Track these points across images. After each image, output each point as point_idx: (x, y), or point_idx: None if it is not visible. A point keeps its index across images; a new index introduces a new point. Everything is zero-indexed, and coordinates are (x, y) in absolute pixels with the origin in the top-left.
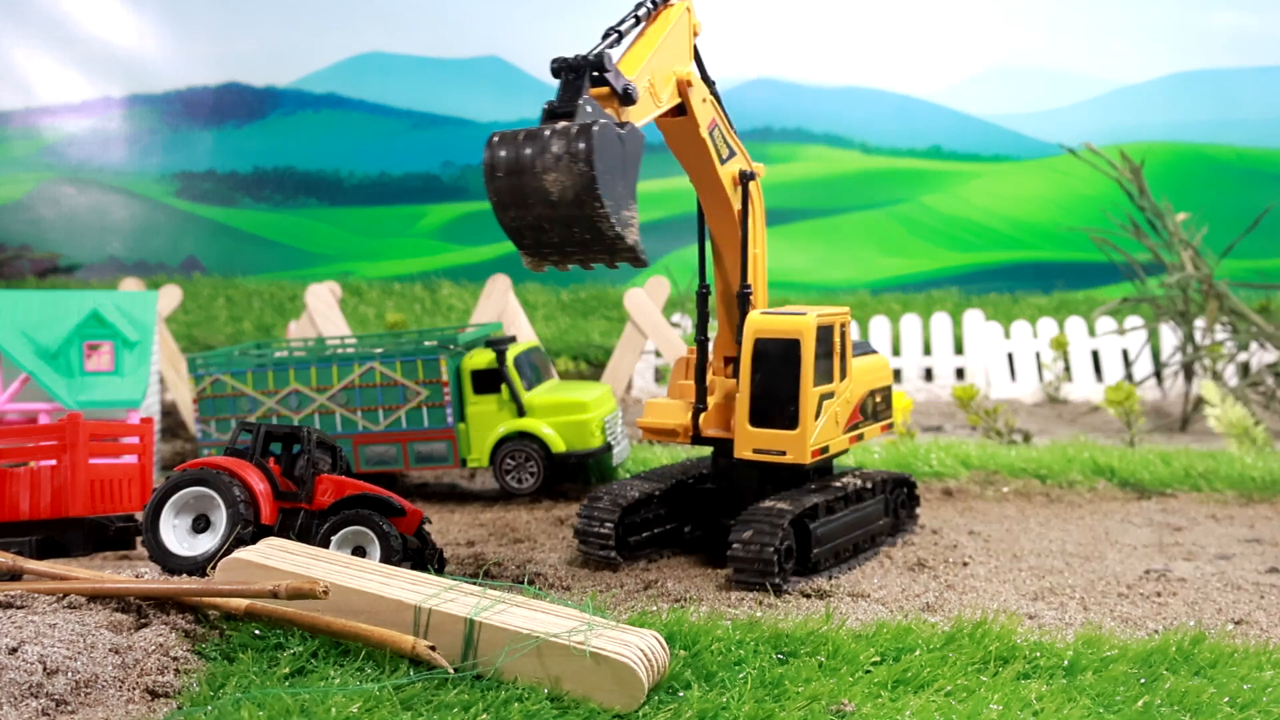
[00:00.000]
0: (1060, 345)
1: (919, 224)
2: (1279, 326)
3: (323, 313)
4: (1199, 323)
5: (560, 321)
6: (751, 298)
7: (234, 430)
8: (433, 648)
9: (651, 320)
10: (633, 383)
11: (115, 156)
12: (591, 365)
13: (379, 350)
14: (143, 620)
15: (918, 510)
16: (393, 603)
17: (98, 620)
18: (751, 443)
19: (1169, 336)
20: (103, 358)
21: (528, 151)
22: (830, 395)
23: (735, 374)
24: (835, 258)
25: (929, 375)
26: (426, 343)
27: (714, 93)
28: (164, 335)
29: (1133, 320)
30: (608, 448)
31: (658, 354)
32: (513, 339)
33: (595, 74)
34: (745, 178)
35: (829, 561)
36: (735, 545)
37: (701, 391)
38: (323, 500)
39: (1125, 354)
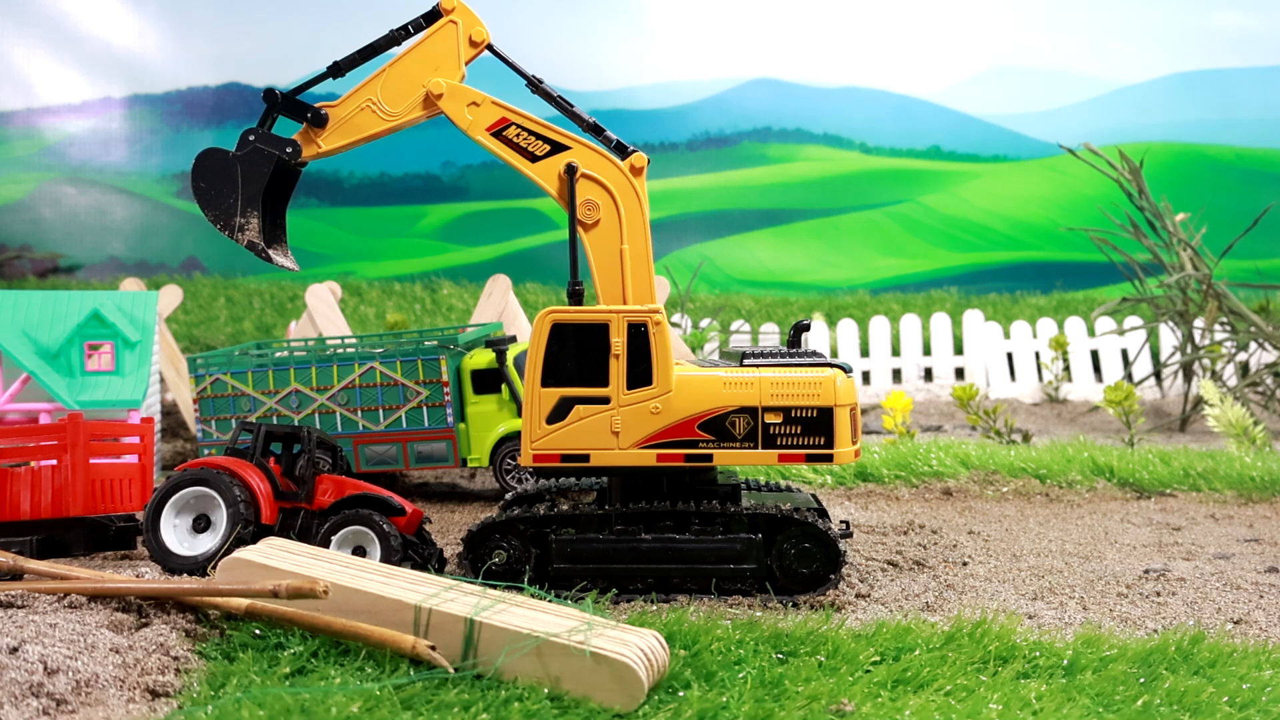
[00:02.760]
0: (1060, 345)
1: (919, 224)
2: (1278, 326)
3: (323, 313)
4: (1198, 323)
5: None
6: (597, 293)
7: (234, 430)
8: (433, 647)
9: None
10: None
11: (116, 157)
12: None
13: (379, 350)
14: (143, 620)
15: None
16: (393, 602)
17: (98, 620)
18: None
19: (1168, 336)
20: (103, 358)
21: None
22: (598, 400)
23: None
24: (835, 258)
25: (929, 375)
26: (427, 343)
27: (542, 91)
28: (164, 335)
29: (1132, 320)
30: None
31: None
32: (513, 339)
33: (275, 106)
34: (569, 171)
35: (584, 582)
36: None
37: None
38: (323, 500)
39: (1125, 354)
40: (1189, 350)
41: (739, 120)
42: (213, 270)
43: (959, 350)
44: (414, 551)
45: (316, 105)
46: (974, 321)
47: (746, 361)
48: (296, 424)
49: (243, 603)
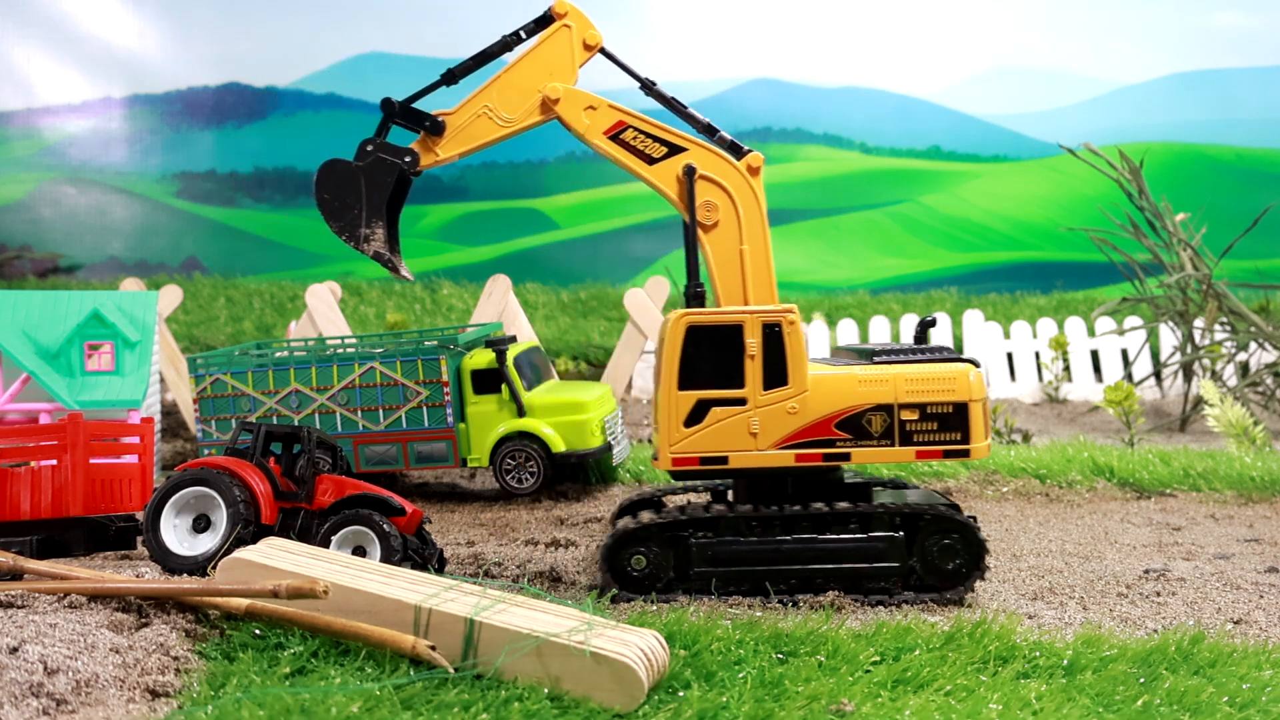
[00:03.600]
0: (1060, 345)
1: (919, 224)
2: (1278, 326)
3: (323, 313)
4: (1198, 323)
5: (560, 321)
6: (716, 296)
7: (234, 430)
8: (433, 647)
9: (651, 320)
10: (633, 383)
11: (116, 157)
12: (591, 365)
13: (379, 350)
14: (143, 620)
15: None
16: (393, 602)
17: (98, 620)
18: (656, 446)
19: (1168, 336)
20: (103, 358)
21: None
22: (734, 401)
23: None
24: (835, 258)
25: None
26: (427, 343)
27: (656, 93)
28: (164, 335)
29: (1132, 320)
30: (608, 448)
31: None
32: (513, 339)
33: (392, 116)
34: (688, 173)
35: (729, 585)
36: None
37: None
38: (323, 500)
39: (1125, 354)
40: (1189, 350)
41: (739, 120)
42: (213, 270)
43: (959, 350)
44: (414, 551)
45: (433, 113)
46: (974, 321)
47: (877, 359)
48: (296, 424)
49: (243, 603)
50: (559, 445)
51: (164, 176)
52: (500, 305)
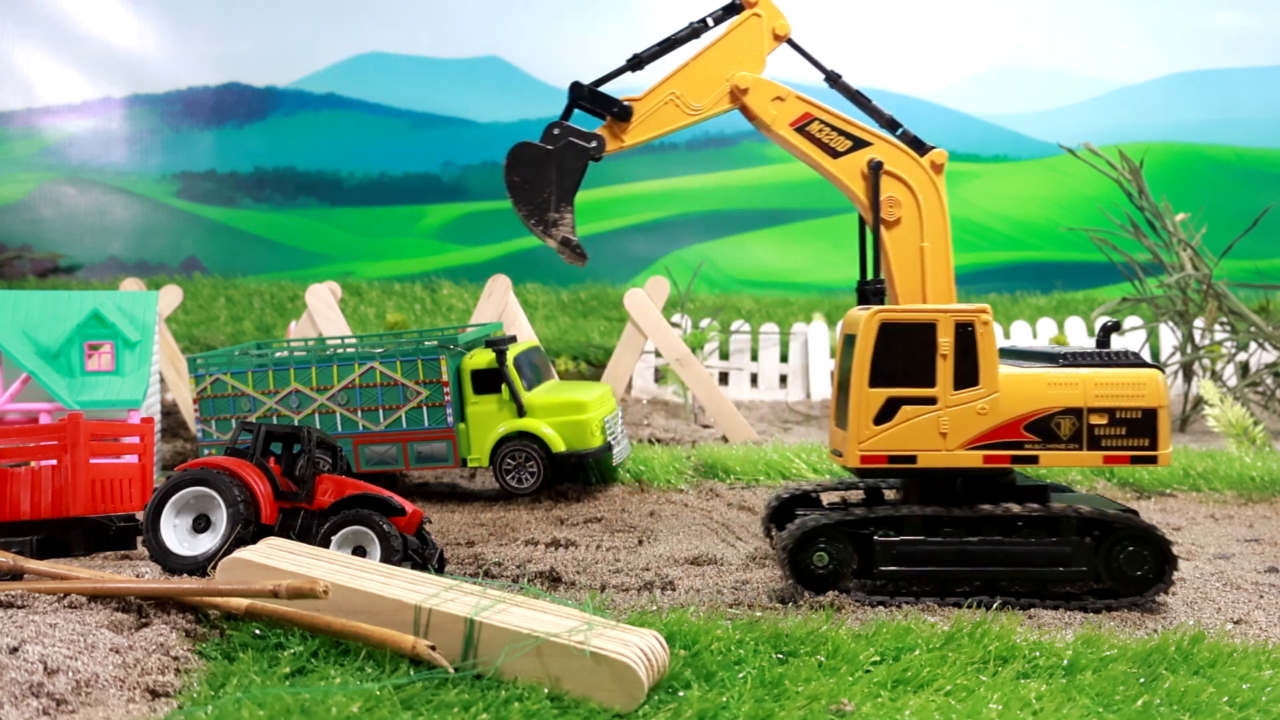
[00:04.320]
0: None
1: None
2: (1278, 326)
3: (323, 313)
4: (1198, 323)
5: (560, 321)
6: (892, 292)
7: (234, 430)
8: (433, 647)
9: (651, 320)
10: (633, 383)
11: (116, 157)
12: (591, 365)
13: (379, 350)
14: (143, 620)
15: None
16: (393, 602)
17: (98, 620)
18: (832, 442)
19: (1168, 336)
20: (103, 358)
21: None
22: (924, 400)
23: None
24: (835, 258)
25: None
26: (427, 343)
27: (841, 85)
28: (164, 335)
29: (1132, 320)
30: (608, 448)
31: (657, 354)
32: (513, 339)
33: (579, 99)
34: (874, 168)
35: (912, 585)
36: (779, 536)
37: None
38: (323, 500)
39: None
40: (1189, 350)
41: (739, 120)
42: (213, 270)
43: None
44: (414, 551)
45: (622, 100)
46: None
47: (1064, 361)
48: (296, 424)
49: (243, 603)
50: (559, 445)
51: (164, 176)
52: (500, 305)
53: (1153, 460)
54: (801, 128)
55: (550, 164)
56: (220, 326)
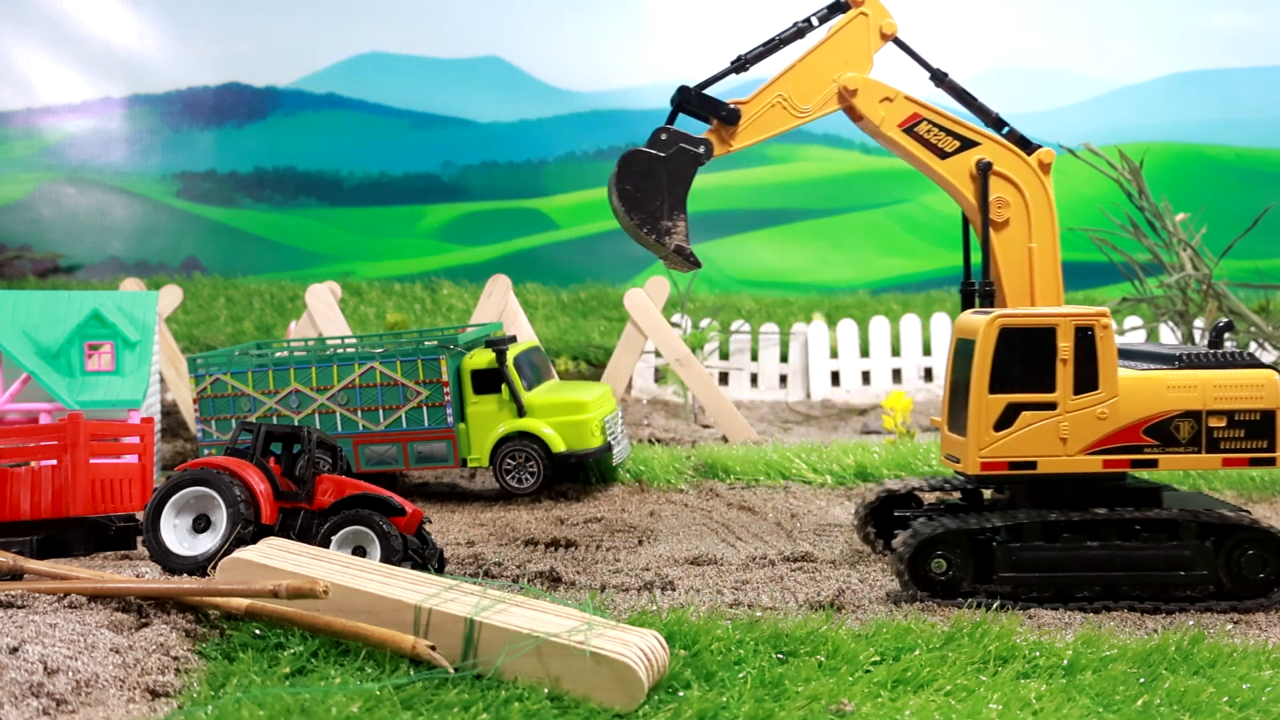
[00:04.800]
0: None
1: (919, 224)
2: (1278, 326)
3: (323, 313)
4: (1198, 323)
5: (560, 321)
6: (1000, 294)
7: (234, 430)
8: (433, 647)
9: (651, 320)
10: (633, 383)
11: (116, 157)
12: (591, 365)
13: (379, 350)
14: (143, 620)
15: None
16: (393, 602)
17: (98, 620)
18: (946, 447)
19: (1168, 336)
20: (103, 358)
21: (612, 172)
22: (1045, 406)
23: None
24: (835, 258)
25: (929, 375)
26: (427, 343)
27: (948, 84)
28: (164, 335)
29: (1132, 320)
30: (608, 448)
31: (657, 354)
32: (513, 339)
33: (684, 103)
34: (982, 168)
35: (1031, 591)
36: (894, 543)
37: None
38: (323, 500)
39: None
40: None
41: None
42: (213, 270)
43: None
44: (414, 551)
45: (728, 103)
46: None
47: (1179, 363)
48: (296, 424)
49: (243, 603)
50: (559, 445)
51: (164, 176)
52: (500, 305)
53: (1270, 462)
54: (910, 129)
55: (661, 171)
56: (220, 326)
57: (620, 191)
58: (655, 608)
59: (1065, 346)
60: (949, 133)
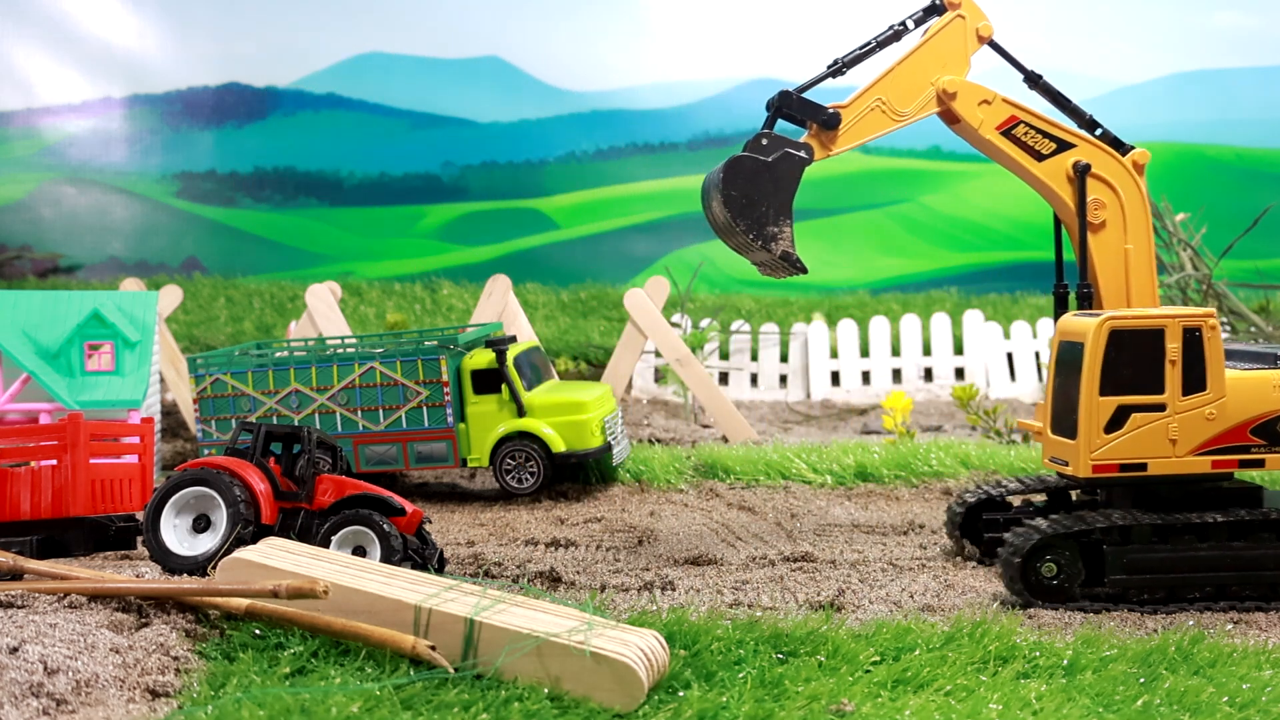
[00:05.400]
0: None
1: (919, 224)
2: (1278, 326)
3: (323, 313)
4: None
5: (560, 321)
6: (1096, 296)
7: (234, 430)
8: (433, 647)
9: (651, 320)
10: (633, 383)
11: (116, 157)
12: (591, 365)
13: (379, 350)
14: (143, 620)
15: None
16: (393, 602)
17: (98, 620)
18: (1050, 450)
19: None
20: (103, 358)
21: (710, 176)
22: (1154, 407)
23: None
24: (835, 258)
25: (929, 375)
26: (427, 343)
27: (1042, 86)
28: (164, 335)
29: None
30: (608, 448)
31: (657, 354)
32: (513, 339)
33: (783, 108)
34: (1079, 170)
35: (1143, 594)
36: (999, 551)
37: None
38: (323, 500)
39: None
40: None
41: (739, 120)
42: (213, 270)
43: (959, 350)
44: (414, 551)
45: (827, 107)
46: (974, 321)
47: None
48: (296, 424)
49: (243, 603)
50: (559, 445)
51: (164, 176)
52: (500, 305)
53: None
54: (1007, 131)
55: (767, 176)
56: (220, 326)
57: (726, 198)
58: (655, 608)
59: (1174, 347)
60: (1046, 135)
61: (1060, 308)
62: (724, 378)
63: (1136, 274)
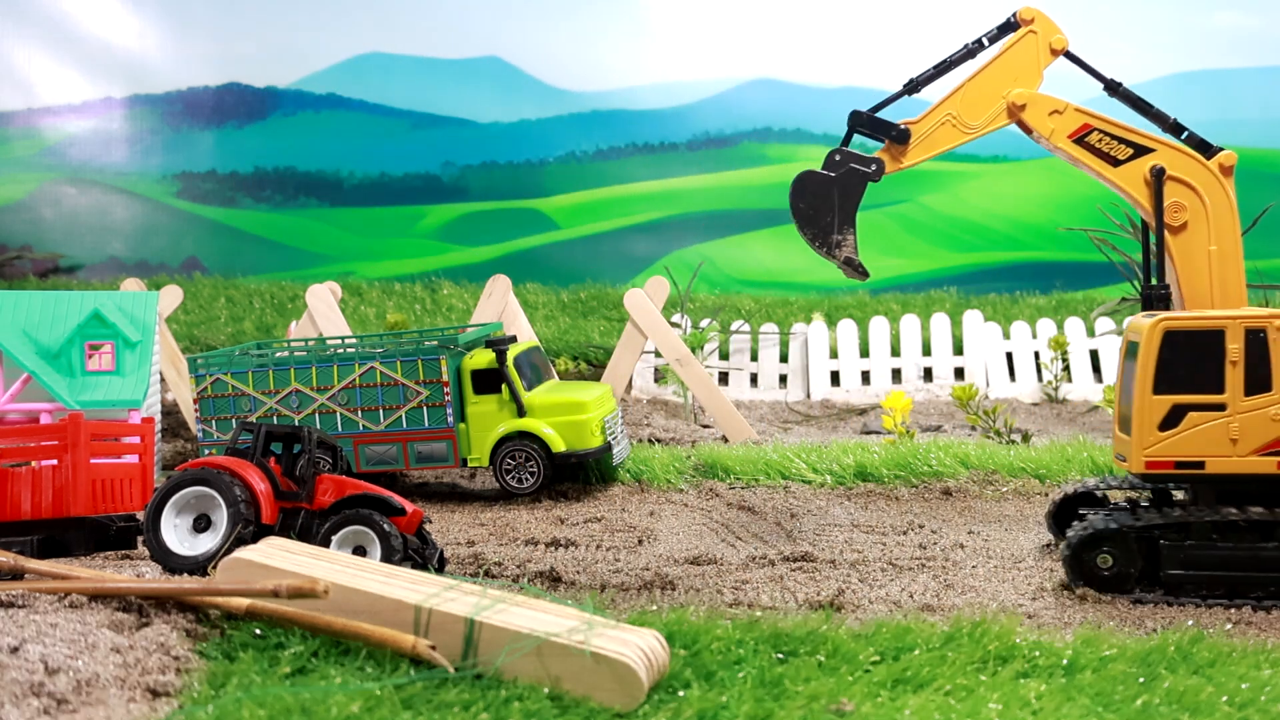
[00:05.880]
0: (1059, 345)
1: (919, 224)
2: None
3: (323, 313)
4: None
5: (560, 321)
6: (1180, 297)
7: (235, 430)
8: (433, 647)
9: (651, 320)
10: (633, 383)
11: (116, 157)
12: (591, 365)
13: (379, 350)
14: (144, 620)
15: None
16: (393, 602)
17: (99, 619)
18: (1116, 447)
19: None
20: (104, 358)
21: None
22: (1213, 407)
23: None
24: None
25: (928, 375)
26: (427, 343)
27: (1123, 93)
28: (165, 335)
29: None
30: (608, 448)
31: (657, 354)
32: (513, 339)
33: (859, 125)
34: (1156, 174)
35: (1199, 590)
36: (1061, 547)
37: None
38: (323, 500)
39: None
40: None
41: (739, 120)
42: (213, 270)
43: (959, 350)
44: (414, 551)
45: (899, 124)
46: (974, 322)
47: None
48: (296, 424)
49: (243, 602)
50: (559, 445)
51: (164, 176)
52: (500, 305)
53: None
54: (1080, 139)
55: (832, 189)
56: (220, 326)
57: (794, 209)
58: (655, 608)
59: (1235, 348)
60: (1121, 140)
61: (1148, 308)
62: (724, 378)
63: (1222, 275)
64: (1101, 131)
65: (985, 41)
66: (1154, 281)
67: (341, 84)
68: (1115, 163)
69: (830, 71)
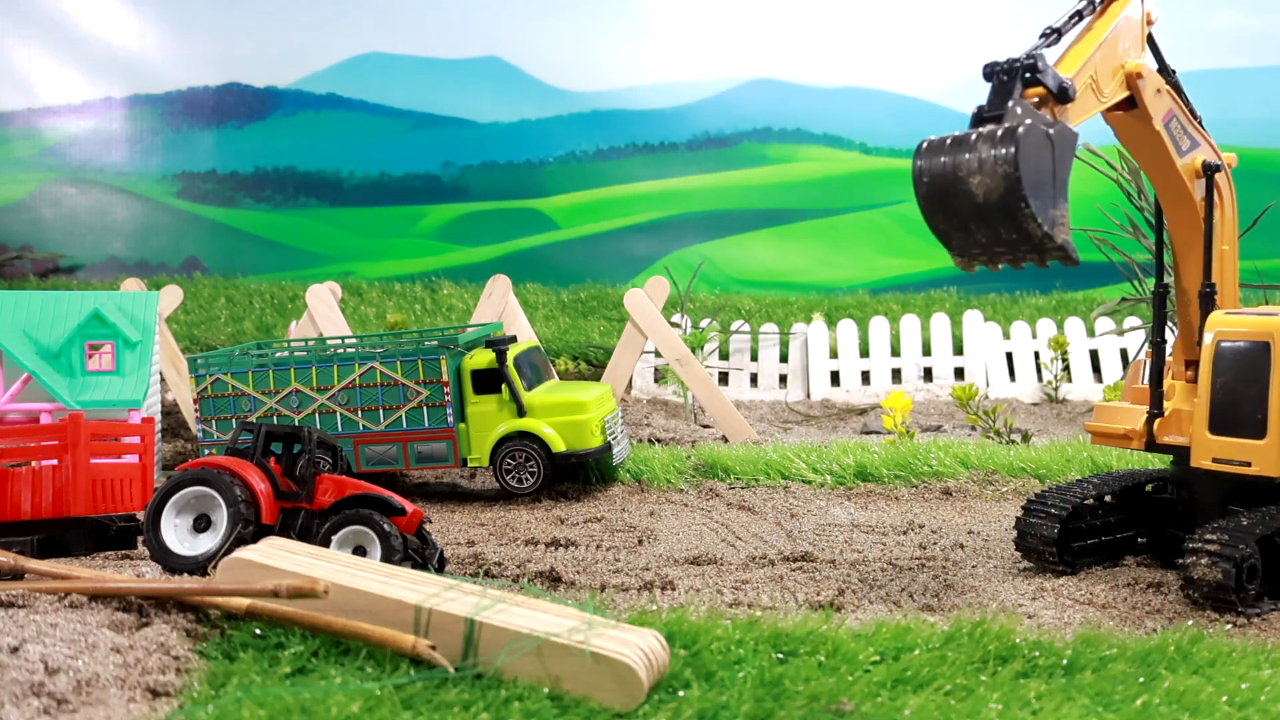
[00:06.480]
0: (1059, 345)
1: (919, 224)
2: None
3: (323, 313)
4: None
5: (560, 321)
6: (1216, 296)
7: (235, 430)
8: (433, 647)
9: (651, 320)
10: (633, 383)
11: (116, 157)
12: (591, 365)
13: (379, 350)
14: (144, 620)
15: None
16: (393, 602)
17: (99, 619)
18: (1211, 451)
19: (1167, 336)
20: (104, 358)
21: (954, 157)
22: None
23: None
24: (835, 258)
25: (928, 375)
26: (427, 343)
27: (1173, 83)
28: (165, 335)
29: (1131, 320)
30: (608, 448)
31: (657, 354)
32: (513, 339)
33: (1028, 75)
34: (1209, 169)
35: None
36: (1189, 562)
37: (1158, 396)
38: (323, 500)
39: (1124, 354)
40: None
41: (739, 120)
42: (213, 270)
43: (958, 350)
44: (414, 551)
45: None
46: (973, 322)
47: None
48: (297, 424)
49: (243, 602)
50: (559, 445)
51: (164, 176)
52: (500, 305)
53: None
54: (1167, 123)
55: (1048, 150)
56: (220, 326)
57: (1020, 177)
58: (655, 608)
59: None
60: (1186, 131)
61: (1161, 306)
62: (724, 378)
63: (1227, 276)
64: (1179, 119)
65: (1097, 3)
66: (1166, 281)
67: (341, 84)
68: (1180, 152)
69: (830, 71)
